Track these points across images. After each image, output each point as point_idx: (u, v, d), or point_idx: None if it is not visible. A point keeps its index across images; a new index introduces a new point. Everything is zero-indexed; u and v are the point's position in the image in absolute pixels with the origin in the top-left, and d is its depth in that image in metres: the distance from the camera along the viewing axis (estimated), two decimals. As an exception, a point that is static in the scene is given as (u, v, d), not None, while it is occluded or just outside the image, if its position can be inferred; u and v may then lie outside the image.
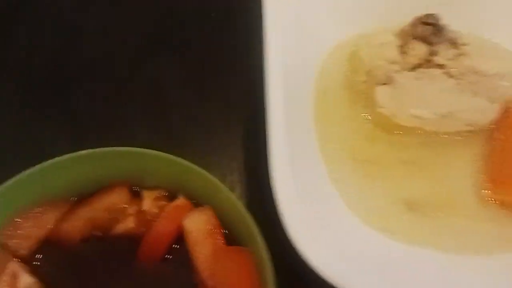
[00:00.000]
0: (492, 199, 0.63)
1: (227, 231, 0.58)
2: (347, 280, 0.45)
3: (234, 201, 0.57)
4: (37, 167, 0.57)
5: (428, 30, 0.69)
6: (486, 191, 0.64)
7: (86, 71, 0.79)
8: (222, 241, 0.57)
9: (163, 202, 0.62)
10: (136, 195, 0.63)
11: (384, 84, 0.68)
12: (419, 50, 0.70)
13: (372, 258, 0.53)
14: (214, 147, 0.71)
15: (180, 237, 0.59)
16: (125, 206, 0.60)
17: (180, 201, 0.61)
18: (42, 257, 0.57)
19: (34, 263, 0.56)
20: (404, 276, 0.51)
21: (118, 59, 0.80)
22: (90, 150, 0.58)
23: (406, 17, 0.74)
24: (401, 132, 0.68)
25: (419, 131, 0.68)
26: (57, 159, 0.58)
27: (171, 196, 0.63)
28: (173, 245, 0.58)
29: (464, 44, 0.71)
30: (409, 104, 0.67)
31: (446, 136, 0.68)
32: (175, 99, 0.76)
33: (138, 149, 0.60)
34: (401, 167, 0.67)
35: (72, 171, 0.59)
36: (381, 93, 0.67)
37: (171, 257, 0.58)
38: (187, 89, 0.77)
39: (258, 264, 0.54)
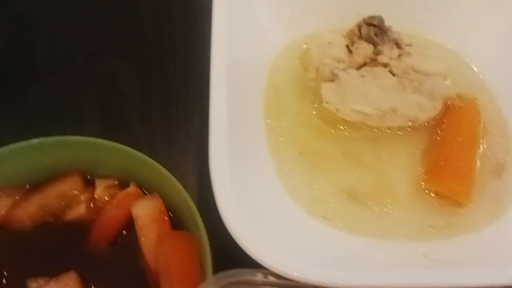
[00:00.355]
0: (428, 191, 0.67)
1: (173, 216, 0.61)
2: (274, 259, 0.48)
3: (179, 189, 0.61)
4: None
5: (372, 31, 0.73)
6: (423, 183, 0.68)
7: (42, 65, 0.82)
8: (168, 226, 0.61)
9: (115, 190, 0.66)
10: (88, 183, 0.67)
11: (330, 81, 0.72)
12: (364, 49, 0.74)
13: (307, 242, 0.57)
14: (168, 140, 0.74)
15: (130, 223, 0.62)
16: (76, 192, 0.63)
17: (131, 189, 0.65)
18: (-5, 241, 0.61)
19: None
20: (335, 258, 0.55)
21: (74, 54, 0.83)
22: (42, 139, 0.61)
23: (355, 18, 0.79)
24: (345, 127, 0.72)
25: (363, 126, 0.72)
26: (9, 146, 0.61)
27: (123, 185, 0.67)
28: (123, 231, 0.62)
29: (407, 45, 0.76)
30: (352, 100, 0.70)
31: (389, 131, 0.73)
32: (130, 93, 0.79)
33: (91, 139, 0.63)
34: (345, 160, 0.71)
35: (24, 159, 0.62)
36: (327, 89, 0.71)
37: (120, 242, 0.62)
38: (143, 83, 0.81)
39: (199, 248, 0.58)
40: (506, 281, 0.51)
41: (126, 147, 0.63)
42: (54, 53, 0.83)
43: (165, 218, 0.61)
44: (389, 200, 0.67)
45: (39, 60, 0.82)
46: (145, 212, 0.62)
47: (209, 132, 0.59)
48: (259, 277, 0.48)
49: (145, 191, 0.65)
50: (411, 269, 0.53)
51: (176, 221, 0.63)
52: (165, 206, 0.62)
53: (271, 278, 0.48)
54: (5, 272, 0.59)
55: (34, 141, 0.60)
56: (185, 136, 0.74)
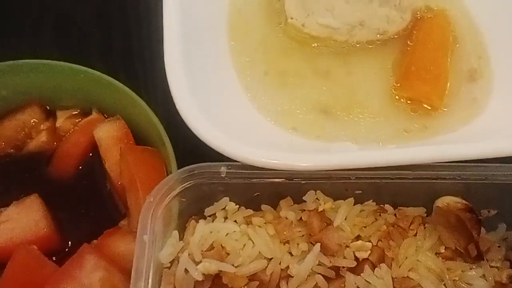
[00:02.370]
0: (400, 97, 0.65)
1: (138, 137, 0.59)
2: (240, 150, 0.47)
3: (144, 107, 0.59)
4: None
5: None
6: (395, 91, 0.67)
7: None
8: (131, 144, 0.59)
9: (77, 119, 0.63)
10: (49, 115, 0.65)
11: (294, -5, 0.70)
12: (328, -36, 0.73)
13: (276, 144, 0.55)
14: (132, 63, 0.73)
15: (94, 148, 0.60)
16: (36, 121, 0.61)
17: (93, 116, 0.63)
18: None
19: None
20: (304, 151, 0.54)
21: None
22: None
23: None
24: (314, 44, 0.70)
25: (331, 41, 0.70)
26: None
27: (85, 114, 0.65)
28: (88, 155, 0.60)
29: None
30: (318, 14, 0.68)
31: (358, 45, 0.71)
32: (89, 31, 0.77)
33: (48, 61, 0.61)
34: (314, 77, 0.68)
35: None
36: (291, 4, 0.68)
37: (84, 166, 0.60)
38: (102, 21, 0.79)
39: (164, 161, 0.56)
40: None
41: (87, 68, 0.60)
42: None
43: (129, 137, 0.59)
44: (359, 110, 0.65)
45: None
46: (108, 134, 0.60)
47: (164, 51, 0.57)
48: (223, 169, 0.47)
49: (107, 118, 0.63)
50: (381, 150, 0.52)
51: (141, 141, 0.61)
52: (130, 128, 0.60)
53: (236, 169, 0.47)
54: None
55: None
56: (148, 60, 0.73)
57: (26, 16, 0.78)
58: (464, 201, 0.51)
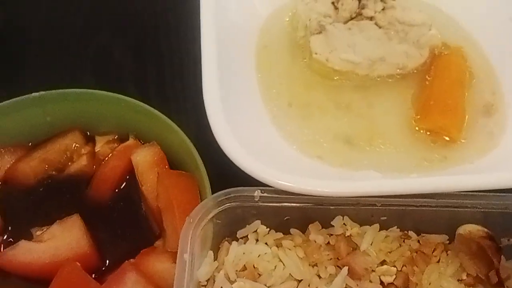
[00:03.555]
0: (420, 129, 0.69)
1: (172, 162, 0.63)
2: (272, 175, 0.50)
3: (179, 133, 0.63)
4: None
5: (356, -14, 0.77)
6: (415, 122, 0.70)
7: (39, 42, 0.85)
8: (167, 169, 0.62)
9: (115, 144, 0.67)
10: (89, 140, 0.69)
11: (319, 33, 0.74)
12: (349, 4, 0.76)
13: (303, 171, 0.58)
14: (165, 92, 0.78)
15: (131, 172, 0.64)
16: (78, 146, 0.65)
17: (130, 141, 0.67)
18: (0, 194, 0.62)
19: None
20: (331, 178, 0.57)
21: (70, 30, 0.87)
22: (41, 92, 0.63)
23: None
24: (336, 77, 0.74)
25: (353, 75, 0.74)
26: (9, 101, 0.62)
27: (122, 139, 0.69)
28: (125, 178, 0.64)
29: (391, -2, 0.79)
30: (341, 49, 0.73)
31: (379, 79, 0.74)
32: (125, 63, 0.82)
33: (89, 90, 0.65)
34: (337, 109, 0.72)
35: (25, 115, 0.63)
36: (316, 41, 0.73)
37: (122, 189, 0.63)
38: (137, 54, 0.84)
39: (199, 185, 0.59)
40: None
41: (125, 96, 0.65)
42: (47, 30, 0.86)
43: (164, 162, 0.63)
44: (381, 140, 0.68)
45: (35, 38, 0.85)
46: (144, 158, 0.63)
47: (202, 83, 0.61)
48: (257, 193, 0.50)
49: (143, 143, 0.66)
50: (404, 178, 0.55)
51: (175, 166, 0.64)
52: (165, 153, 0.64)
53: (269, 194, 0.49)
54: (9, 227, 0.61)
55: (34, 94, 0.62)
56: (180, 89, 0.77)
57: (68, 49, 0.84)
58: (485, 229, 0.53)
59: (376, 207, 0.53)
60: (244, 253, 0.51)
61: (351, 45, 0.74)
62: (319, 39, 0.74)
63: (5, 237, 0.59)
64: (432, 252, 0.55)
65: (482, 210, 0.55)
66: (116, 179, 0.62)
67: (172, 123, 0.62)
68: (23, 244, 0.55)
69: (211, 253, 0.51)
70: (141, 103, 0.63)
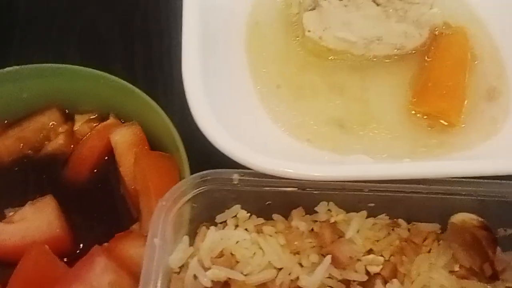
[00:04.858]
0: (417, 113, 0.65)
1: (153, 143, 0.60)
2: (254, 158, 0.47)
3: (159, 113, 0.59)
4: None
5: (354, -40, 0.72)
6: (411, 106, 0.66)
7: (24, 16, 0.82)
8: (146, 149, 0.59)
9: (94, 123, 0.64)
10: (68, 118, 0.65)
11: (312, 9, 0.70)
12: (346, -21, 0.73)
13: (289, 154, 0.55)
14: (150, 70, 0.74)
15: (110, 153, 0.61)
16: (55, 124, 0.62)
17: (110, 120, 0.64)
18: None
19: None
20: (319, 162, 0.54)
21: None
22: (17, 67, 0.60)
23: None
24: (331, 57, 0.70)
25: (348, 55, 0.70)
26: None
27: (103, 118, 0.65)
28: (103, 159, 0.60)
29: (391, -26, 0.75)
30: (335, 27, 0.69)
31: (375, 59, 0.70)
32: (111, 39, 0.79)
33: (69, 66, 0.62)
34: (330, 91, 0.69)
35: (0, 91, 0.60)
36: (309, 18, 0.69)
37: (100, 170, 0.60)
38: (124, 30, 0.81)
39: (178, 167, 0.56)
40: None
41: (106, 73, 0.62)
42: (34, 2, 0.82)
43: (144, 142, 0.59)
44: (375, 124, 0.64)
45: (21, 12, 0.82)
46: (124, 138, 0.60)
47: (182, 57, 0.58)
48: (235, 176, 0.47)
49: (124, 123, 0.63)
50: (395, 163, 0.52)
51: (156, 147, 0.61)
52: (146, 134, 0.61)
53: (249, 177, 0.46)
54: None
55: (9, 69, 0.59)
56: (165, 67, 0.74)
57: (52, 22, 0.80)
58: (480, 219, 0.50)
59: (364, 193, 0.50)
60: (221, 239, 0.48)
61: (347, 23, 0.70)
62: (312, 15, 0.70)
63: (-24, 217, 0.57)
64: (423, 242, 0.52)
65: (477, 198, 0.51)
66: (94, 159, 0.59)
67: (153, 102, 0.59)
68: (-7, 224, 0.53)
69: (186, 238, 0.48)
70: (121, 80, 0.60)
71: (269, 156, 0.48)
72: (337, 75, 0.70)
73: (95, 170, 0.60)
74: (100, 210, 0.57)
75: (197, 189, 0.48)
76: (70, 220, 0.55)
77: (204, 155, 0.55)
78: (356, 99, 0.68)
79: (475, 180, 0.52)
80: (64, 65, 0.62)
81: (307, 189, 0.50)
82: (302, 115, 0.65)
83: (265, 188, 0.50)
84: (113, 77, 0.61)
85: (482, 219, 0.51)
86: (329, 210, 0.51)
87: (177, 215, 0.46)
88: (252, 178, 0.49)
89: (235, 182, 0.48)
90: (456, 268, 0.53)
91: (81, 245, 0.55)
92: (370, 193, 0.50)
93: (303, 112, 0.65)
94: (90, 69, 0.62)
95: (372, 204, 0.51)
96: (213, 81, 0.59)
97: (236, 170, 0.48)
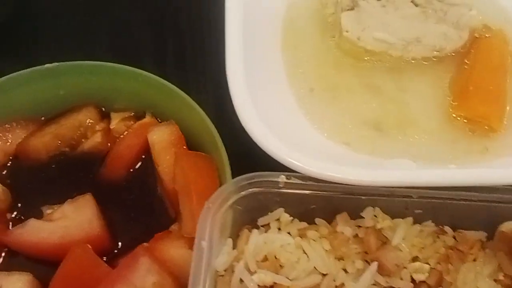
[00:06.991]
0: (458, 117, 0.64)
1: (190, 141, 0.59)
2: (300, 160, 0.46)
3: (198, 112, 0.59)
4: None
5: (393, -40, 0.71)
6: (452, 110, 0.65)
7: (53, 15, 0.81)
8: (185, 149, 0.59)
9: (131, 122, 0.64)
10: (104, 116, 0.65)
11: (350, 9, 0.69)
12: (384, -21, 0.72)
13: (330, 156, 0.54)
14: (185, 68, 0.74)
15: (147, 151, 0.60)
16: (92, 122, 0.62)
17: (147, 119, 0.63)
18: (10, 170, 0.59)
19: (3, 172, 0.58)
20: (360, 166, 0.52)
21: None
22: (55, 64, 0.59)
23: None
24: (367, 58, 0.69)
25: (386, 57, 0.68)
26: (22, 72, 0.59)
27: (139, 117, 0.65)
28: (141, 158, 0.60)
29: (430, -26, 0.73)
30: (374, 28, 0.67)
31: (413, 61, 0.69)
32: (143, 38, 0.78)
33: (105, 63, 0.61)
34: (368, 92, 0.67)
35: (38, 88, 0.60)
36: (347, 18, 0.68)
37: (137, 168, 0.60)
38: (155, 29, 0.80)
39: (218, 167, 0.55)
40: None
41: (142, 71, 0.61)
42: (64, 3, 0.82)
43: (182, 142, 0.59)
44: (413, 128, 0.63)
45: (52, 12, 0.81)
46: (161, 137, 0.60)
47: (226, 60, 0.57)
48: (281, 178, 0.46)
49: (160, 122, 0.63)
50: (443, 169, 0.50)
51: (193, 146, 0.61)
52: (183, 132, 0.60)
53: (295, 180, 0.46)
54: (19, 204, 0.58)
55: (48, 66, 0.59)
56: (201, 66, 0.73)
57: (84, 21, 0.80)
58: (529, 228, 0.49)
59: (411, 199, 0.49)
60: (265, 243, 0.47)
61: (385, 24, 0.69)
62: (350, 16, 0.69)
63: (14, 214, 0.56)
64: (469, 250, 0.51)
65: (526, 206, 0.51)
66: (131, 158, 0.59)
67: (191, 101, 0.58)
68: (32, 222, 0.53)
69: (230, 241, 0.48)
70: (160, 79, 0.59)
71: (316, 159, 0.47)
72: (373, 76, 0.68)
73: (132, 169, 0.59)
74: (137, 209, 0.57)
75: (242, 192, 0.47)
76: (108, 219, 0.55)
77: (242, 156, 0.54)
78: (394, 101, 0.66)
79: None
80: (101, 63, 0.61)
81: (353, 194, 0.49)
82: (339, 117, 0.64)
83: (309, 192, 0.49)
84: (151, 75, 0.61)
85: (531, 228, 0.50)
86: (374, 216, 0.50)
87: (222, 217, 0.46)
88: (298, 182, 0.48)
89: (281, 185, 0.47)
90: (501, 276, 0.52)
91: (120, 244, 0.54)
92: (417, 200, 0.49)
93: (339, 114, 0.64)
94: (128, 67, 0.61)
95: (419, 211, 0.50)
96: (253, 81, 0.58)
97: (282, 173, 0.47)
